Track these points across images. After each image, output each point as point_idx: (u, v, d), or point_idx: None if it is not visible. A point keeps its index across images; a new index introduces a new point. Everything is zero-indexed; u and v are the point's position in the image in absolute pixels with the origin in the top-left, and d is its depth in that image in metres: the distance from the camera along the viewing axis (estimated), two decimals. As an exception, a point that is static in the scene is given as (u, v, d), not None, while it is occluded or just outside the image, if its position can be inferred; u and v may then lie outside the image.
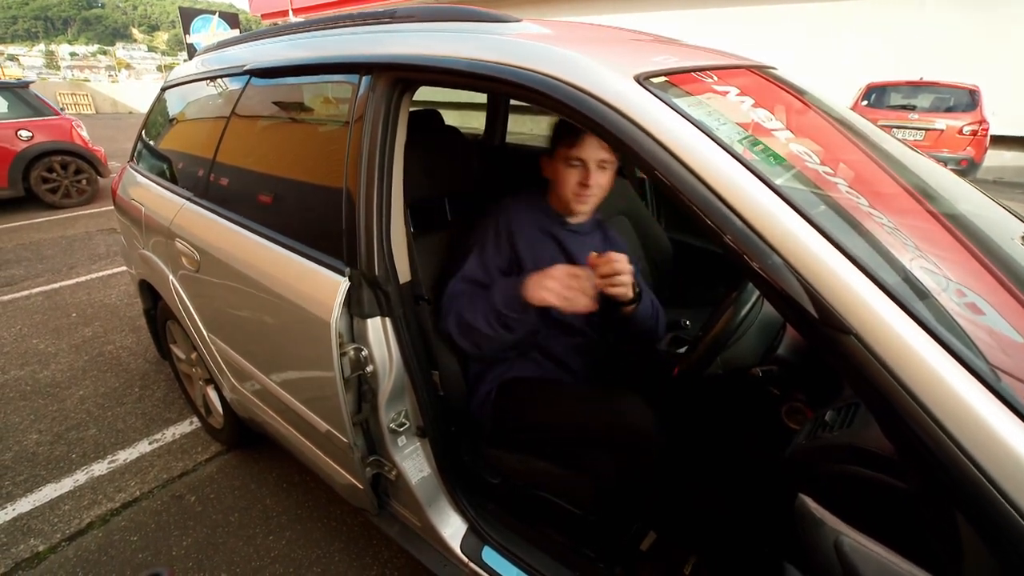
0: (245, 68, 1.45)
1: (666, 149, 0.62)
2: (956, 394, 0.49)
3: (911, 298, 0.55)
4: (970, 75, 7.18)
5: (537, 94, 0.74)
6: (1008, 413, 0.49)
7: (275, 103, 1.43)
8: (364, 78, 1.04)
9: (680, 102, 0.69)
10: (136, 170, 2.06)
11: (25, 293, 3.40)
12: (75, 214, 5.39)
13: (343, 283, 1.02)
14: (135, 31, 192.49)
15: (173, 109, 2.02)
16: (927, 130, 6.39)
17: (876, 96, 6.97)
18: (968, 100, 6.42)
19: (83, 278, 3.67)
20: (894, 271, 0.61)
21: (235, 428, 1.84)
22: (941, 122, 6.31)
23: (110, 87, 25.08)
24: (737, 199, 0.59)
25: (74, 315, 3.10)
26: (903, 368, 0.50)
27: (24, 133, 5.27)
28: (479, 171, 1.47)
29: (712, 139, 0.62)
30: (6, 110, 5.41)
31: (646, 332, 1.24)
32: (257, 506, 1.72)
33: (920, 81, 6.89)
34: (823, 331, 0.54)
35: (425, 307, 1.12)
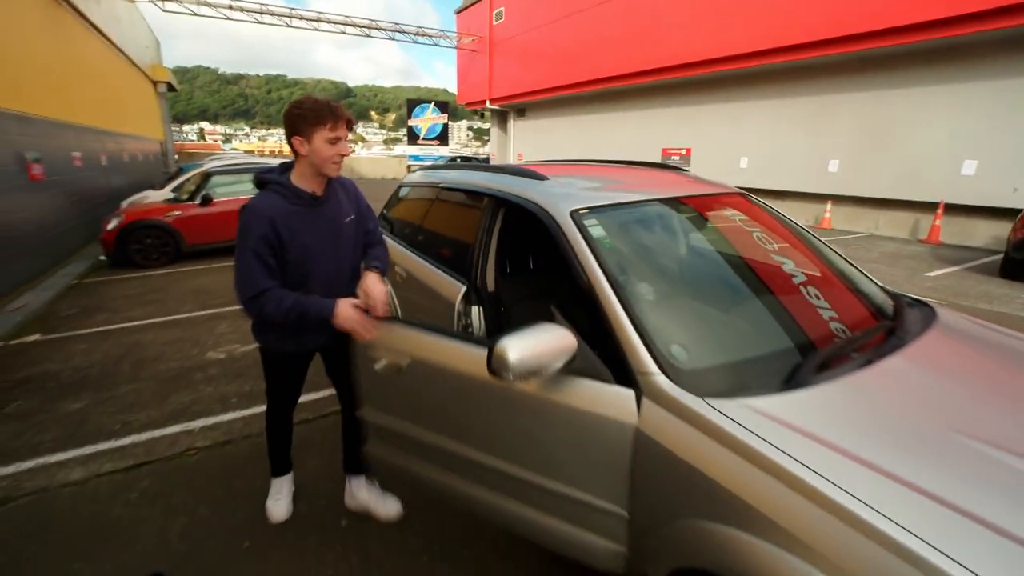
0: (439, 185, 2.86)
1: (572, 247, 1.66)
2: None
3: (644, 327, 1.51)
4: None
5: (523, 211, 1.86)
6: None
7: (450, 201, 2.80)
8: (487, 198, 2.28)
9: (588, 222, 1.74)
10: (382, 226, 3.68)
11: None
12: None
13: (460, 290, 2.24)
14: (373, 113, 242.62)
15: (403, 194, 3.59)
16: None
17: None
18: None
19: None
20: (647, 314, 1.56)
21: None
22: None
23: (351, 158, 33.19)
24: (584, 261, 1.61)
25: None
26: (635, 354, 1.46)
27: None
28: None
29: (586, 238, 1.65)
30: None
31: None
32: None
33: None
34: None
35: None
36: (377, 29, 20.09)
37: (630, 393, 1.33)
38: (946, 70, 9.27)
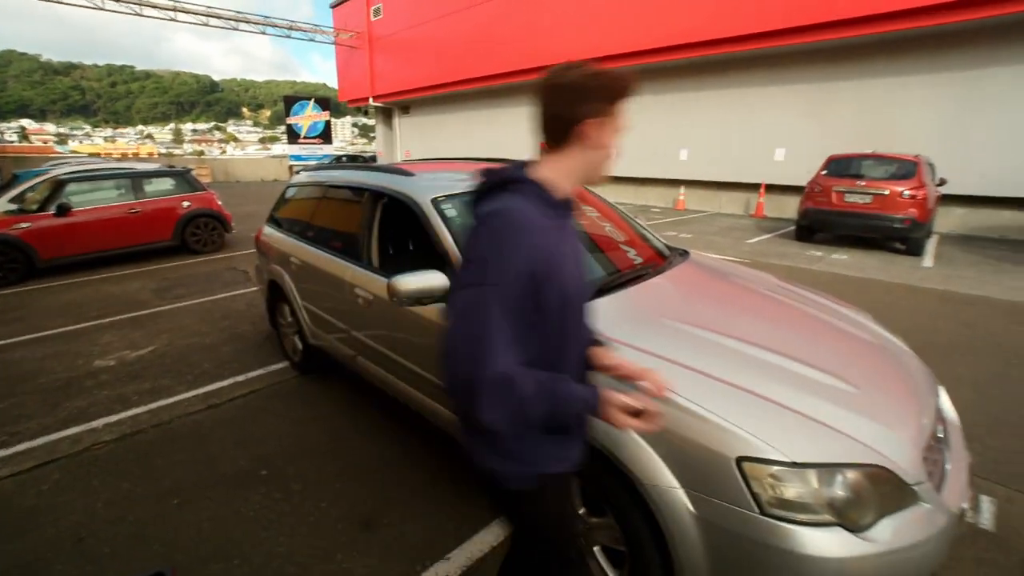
0: (326, 183, 3.25)
1: (432, 227, 2.22)
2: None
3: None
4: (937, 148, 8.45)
5: (397, 202, 2.40)
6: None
7: (336, 197, 3.21)
8: (367, 193, 2.76)
9: (445, 207, 2.31)
10: (271, 226, 3.93)
11: (190, 303, 5.45)
12: (211, 258, 7.69)
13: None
14: (245, 110, 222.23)
15: (290, 195, 3.90)
16: (874, 195, 7.46)
17: (834, 166, 8.16)
18: (910, 169, 7.46)
19: (219, 296, 5.70)
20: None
21: (307, 359, 3.53)
22: (886, 188, 7.38)
23: (223, 159, 30.60)
24: (442, 236, 2.18)
25: (218, 315, 5.05)
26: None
27: (185, 203, 7.74)
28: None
29: (443, 218, 2.22)
30: (173, 187, 7.95)
31: None
32: (308, 398, 3.38)
33: (872, 153, 8.04)
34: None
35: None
36: (245, 22, 18.90)
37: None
38: (767, 75, 11.37)
